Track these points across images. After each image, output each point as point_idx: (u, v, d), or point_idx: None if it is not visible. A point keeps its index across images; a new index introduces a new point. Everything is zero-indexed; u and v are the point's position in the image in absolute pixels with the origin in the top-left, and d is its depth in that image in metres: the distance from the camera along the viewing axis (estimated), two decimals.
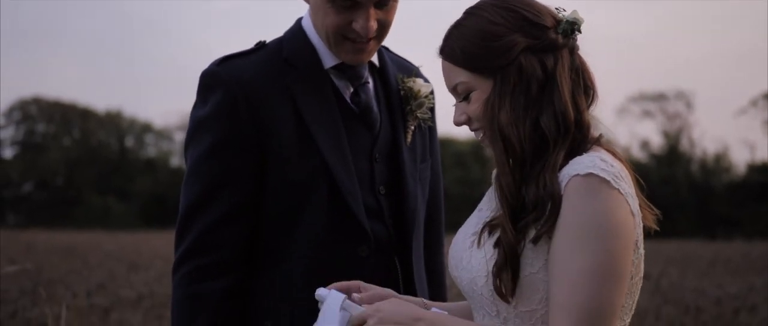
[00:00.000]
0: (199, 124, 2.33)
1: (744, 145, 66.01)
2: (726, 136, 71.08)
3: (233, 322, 2.31)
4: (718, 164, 46.75)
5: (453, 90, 2.04)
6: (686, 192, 42.71)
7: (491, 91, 1.97)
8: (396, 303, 1.98)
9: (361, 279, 2.16)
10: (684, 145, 47.06)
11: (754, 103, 46.89)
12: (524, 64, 1.94)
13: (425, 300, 2.16)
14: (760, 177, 42.89)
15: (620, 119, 46.18)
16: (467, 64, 1.98)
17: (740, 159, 61.45)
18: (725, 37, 69.93)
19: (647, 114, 47.86)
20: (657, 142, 47.48)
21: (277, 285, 2.34)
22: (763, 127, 46.50)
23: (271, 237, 2.34)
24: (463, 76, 2.00)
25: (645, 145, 47.05)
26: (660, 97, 47.72)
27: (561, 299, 1.82)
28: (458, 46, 1.99)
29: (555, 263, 1.84)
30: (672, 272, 16.07)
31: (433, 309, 2.07)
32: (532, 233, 1.88)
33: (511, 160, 1.93)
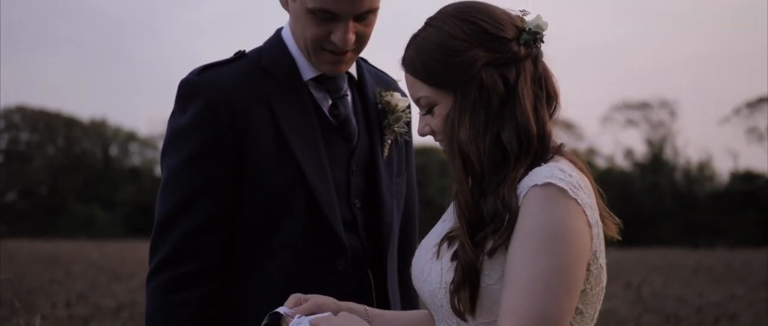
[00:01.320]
0: (177, 132, 2.32)
1: (727, 154, 66.22)
2: (709, 144, 71.45)
3: None
4: (702, 172, 46.94)
5: (416, 102, 2.03)
6: (670, 200, 42.85)
7: (451, 106, 1.96)
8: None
9: (335, 292, 2.17)
10: (667, 153, 47.26)
11: (737, 111, 47.15)
12: (485, 80, 1.93)
13: (368, 309, 2.15)
14: (743, 186, 43.09)
15: (604, 128, 46.37)
16: (428, 79, 1.97)
17: (723, 167, 61.77)
18: (709, 45, 70.30)
19: (631, 122, 48.05)
20: (641, 150, 47.70)
21: (254, 294, 2.34)
22: (747, 135, 46.76)
23: (248, 246, 2.34)
24: (424, 91, 1.99)
25: (629, 153, 47.21)
26: (643, 106, 47.93)
27: (510, 304, 1.82)
28: (419, 60, 1.98)
29: (508, 270, 1.84)
30: (654, 280, 16.11)
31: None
32: (489, 245, 1.88)
33: (470, 176, 1.92)
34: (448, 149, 1.98)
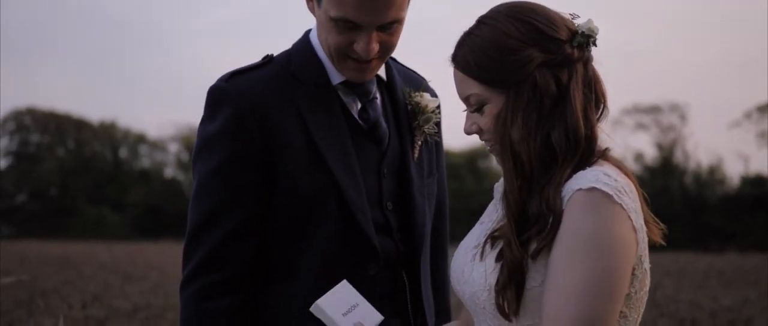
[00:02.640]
0: (207, 140, 2.32)
1: (738, 158, 66.09)
2: (720, 148, 71.19)
3: None
4: (712, 176, 46.79)
5: (465, 100, 2.02)
6: (680, 204, 42.72)
7: (503, 105, 1.95)
8: None
9: (369, 296, 2.16)
10: (678, 157, 47.13)
11: (748, 115, 47.01)
12: (539, 80, 1.93)
13: None
14: (754, 190, 42.95)
15: (614, 131, 45.99)
16: (481, 77, 1.97)
17: (734, 171, 61.53)
18: (719, 49, 70.10)
19: (641, 126, 47.94)
20: (651, 154, 47.57)
21: (285, 301, 2.33)
22: (757, 139, 46.60)
23: (279, 252, 2.33)
24: (476, 88, 1.98)
25: (639, 157, 47.07)
26: (654, 109, 47.81)
27: (553, 311, 1.81)
28: (472, 58, 1.97)
29: (551, 275, 1.83)
30: (667, 284, 16.07)
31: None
32: (533, 247, 1.88)
33: (519, 176, 1.92)
34: (499, 148, 1.97)
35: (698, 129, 68.15)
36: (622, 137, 46.17)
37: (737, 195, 43.86)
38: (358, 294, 2.17)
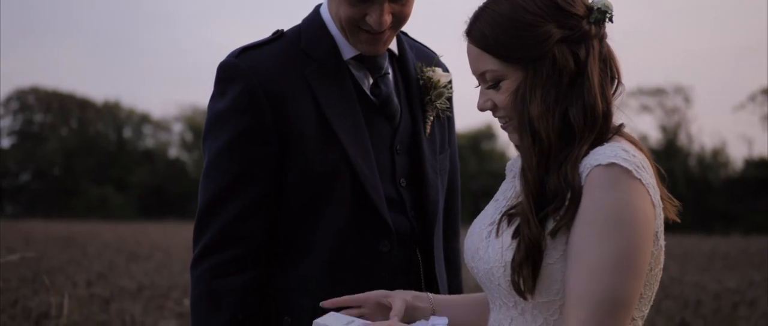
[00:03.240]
0: (217, 117, 2.29)
1: (742, 140, 66.04)
2: (724, 131, 71.15)
3: (254, 318, 2.29)
4: (716, 159, 46.77)
5: (480, 76, 1.99)
6: (684, 187, 42.69)
7: (522, 81, 1.93)
8: None
9: (382, 273, 2.14)
10: (682, 139, 47.10)
11: (752, 98, 46.94)
12: (558, 57, 1.91)
13: (431, 296, 2.12)
14: (758, 173, 42.93)
15: (618, 113, 46.11)
16: (499, 53, 1.94)
17: (738, 154, 61.57)
18: (724, 32, 69.95)
19: (645, 108, 47.90)
20: (655, 136, 47.52)
21: (298, 280, 2.31)
22: (762, 122, 46.56)
23: (292, 230, 2.31)
24: (492, 64, 1.95)
25: (643, 139, 46.66)
26: (658, 92, 47.76)
27: (578, 289, 1.80)
28: (489, 33, 1.94)
29: (574, 253, 1.82)
30: (672, 266, 16.07)
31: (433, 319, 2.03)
32: (550, 225, 1.86)
33: (538, 152, 1.90)
34: (517, 125, 1.94)
35: (702, 112, 68.18)
36: (627, 119, 46.13)
37: (741, 178, 43.85)
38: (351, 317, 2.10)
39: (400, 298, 2.08)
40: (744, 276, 14.30)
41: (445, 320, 1.98)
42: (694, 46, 69.39)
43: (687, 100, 47.34)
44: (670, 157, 45.34)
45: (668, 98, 47.48)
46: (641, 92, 47.86)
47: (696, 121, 51.72)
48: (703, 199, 42.39)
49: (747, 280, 13.40)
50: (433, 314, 2.08)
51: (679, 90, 47.54)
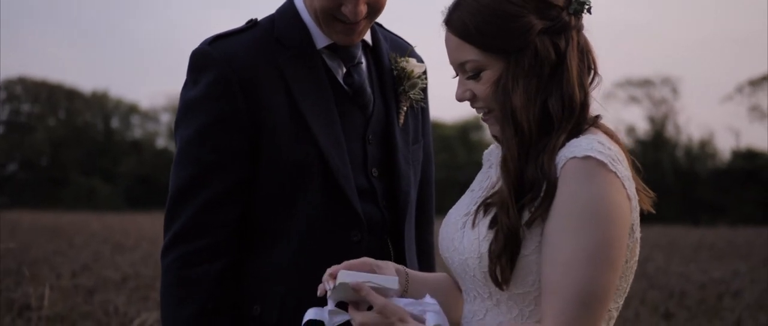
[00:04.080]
0: (190, 104, 2.28)
1: (729, 132, 66.31)
2: (711, 122, 71.46)
3: (224, 306, 2.28)
4: (703, 150, 46.99)
5: (460, 66, 1.98)
6: (671, 177, 42.88)
7: (503, 72, 1.92)
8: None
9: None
10: (669, 130, 47.29)
11: (739, 89, 47.12)
12: (540, 47, 1.91)
13: (407, 270, 2.12)
14: (745, 164, 43.14)
15: (606, 104, 46.10)
16: (480, 43, 1.93)
17: (725, 145, 61.83)
18: (713, 24, 70.12)
19: (633, 99, 48.06)
20: (643, 127, 47.77)
21: (268, 269, 2.30)
22: (749, 113, 46.73)
23: (263, 219, 2.30)
24: (473, 54, 1.94)
25: (631, 130, 47.21)
26: (646, 83, 47.91)
27: (554, 281, 1.80)
28: (471, 22, 1.93)
29: (549, 245, 1.82)
30: (657, 257, 16.13)
31: (427, 299, 2.02)
32: (526, 216, 1.86)
33: (519, 142, 1.90)
34: (499, 115, 1.94)
35: (690, 103, 68.49)
36: (615, 110, 46.33)
37: (728, 169, 44.07)
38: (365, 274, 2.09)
39: (392, 267, 2.07)
40: (729, 266, 14.36)
41: (435, 302, 1.96)
42: (683, 37, 69.60)
43: (675, 91, 47.56)
44: (658, 148, 45.52)
45: (656, 89, 47.67)
46: (629, 83, 48.04)
47: (684, 112, 51.99)
48: (691, 190, 42.58)
49: (732, 271, 13.46)
50: (406, 292, 2.07)
51: (667, 81, 47.72)
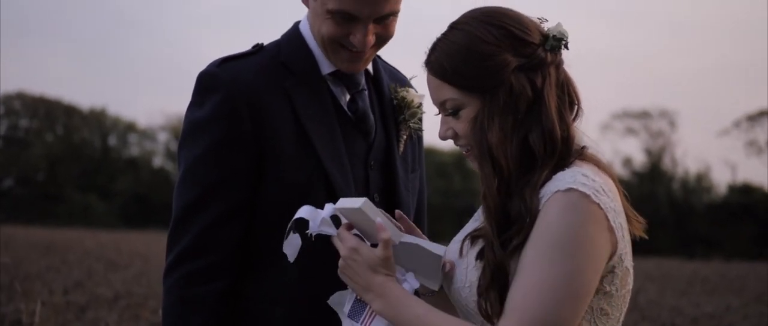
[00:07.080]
0: (196, 125, 2.30)
1: (725, 165, 66.28)
2: (708, 155, 71.44)
3: (226, 325, 2.29)
4: (700, 184, 46.97)
5: (440, 105, 2.02)
6: (667, 210, 42.85)
7: (479, 110, 1.96)
8: (365, 263, 2.00)
9: None
10: (666, 163, 47.27)
11: (736, 123, 47.18)
12: (514, 84, 1.93)
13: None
14: (741, 198, 43.12)
15: (603, 135, 46.32)
16: (457, 82, 1.97)
17: (721, 179, 61.81)
18: (711, 57, 70.35)
19: (630, 131, 48.07)
20: (639, 159, 47.72)
21: (271, 289, 2.32)
22: (746, 147, 46.77)
23: (266, 239, 2.32)
24: (451, 93, 1.98)
25: (627, 162, 47.22)
26: (644, 115, 47.95)
27: (515, 303, 1.83)
28: (447, 63, 1.97)
29: (520, 269, 1.85)
30: (650, 289, 16.11)
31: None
32: (512, 247, 1.88)
33: (498, 178, 1.92)
34: (477, 153, 1.97)
35: (687, 136, 68.52)
36: (612, 141, 46.34)
37: (724, 203, 44.02)
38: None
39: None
40: (722, 301, 14.34)
41: (416, 282, 2.02)
42: (680, 70, 69.79)
43: (672, 123, 47.59)
44: (654, 180, 45.52)
45: (653, 121, 47.72)
46: (627, 115, 48.07)
47: (680, 145, 51.94)
48: (686, 223, 42.52)
49: (725, 306, 13.44)
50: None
51: (665, 113, 47.77)
